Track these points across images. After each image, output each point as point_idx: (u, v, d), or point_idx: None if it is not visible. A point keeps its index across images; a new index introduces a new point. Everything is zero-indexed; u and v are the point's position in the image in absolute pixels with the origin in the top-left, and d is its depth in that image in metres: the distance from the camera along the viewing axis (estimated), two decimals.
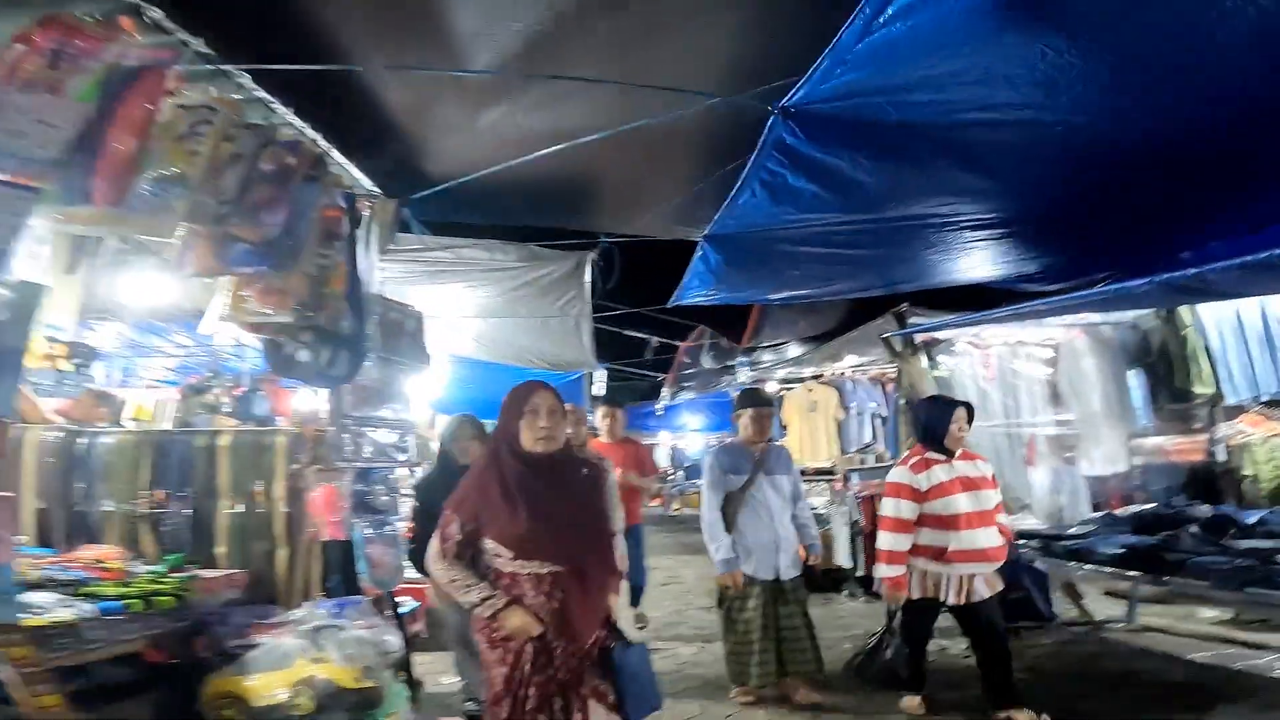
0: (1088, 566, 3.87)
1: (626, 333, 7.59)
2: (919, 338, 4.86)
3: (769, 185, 2.90)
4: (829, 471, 9.28)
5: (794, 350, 6.65)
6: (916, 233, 3.54)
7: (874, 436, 7.20)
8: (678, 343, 8.35)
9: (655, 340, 7.94)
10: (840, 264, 3.80)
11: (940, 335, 4.95)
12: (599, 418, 4.56)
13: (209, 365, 4.57)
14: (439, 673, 4.68)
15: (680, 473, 21.47)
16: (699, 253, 3.67)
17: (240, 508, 3.37)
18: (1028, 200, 3.35)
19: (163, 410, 6.28)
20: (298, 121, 2.78)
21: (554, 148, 2.97)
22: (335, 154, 3.19)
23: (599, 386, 6.98)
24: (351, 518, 2.98)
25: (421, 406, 9.85)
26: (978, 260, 4.16)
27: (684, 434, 19.40)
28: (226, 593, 3.23)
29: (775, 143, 2.63)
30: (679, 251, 4.15)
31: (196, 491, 3.40)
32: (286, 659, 2.76)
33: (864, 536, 6.39)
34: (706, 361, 7.20)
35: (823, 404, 7.39)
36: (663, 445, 23.02)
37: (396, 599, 3.97)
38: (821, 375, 7.62)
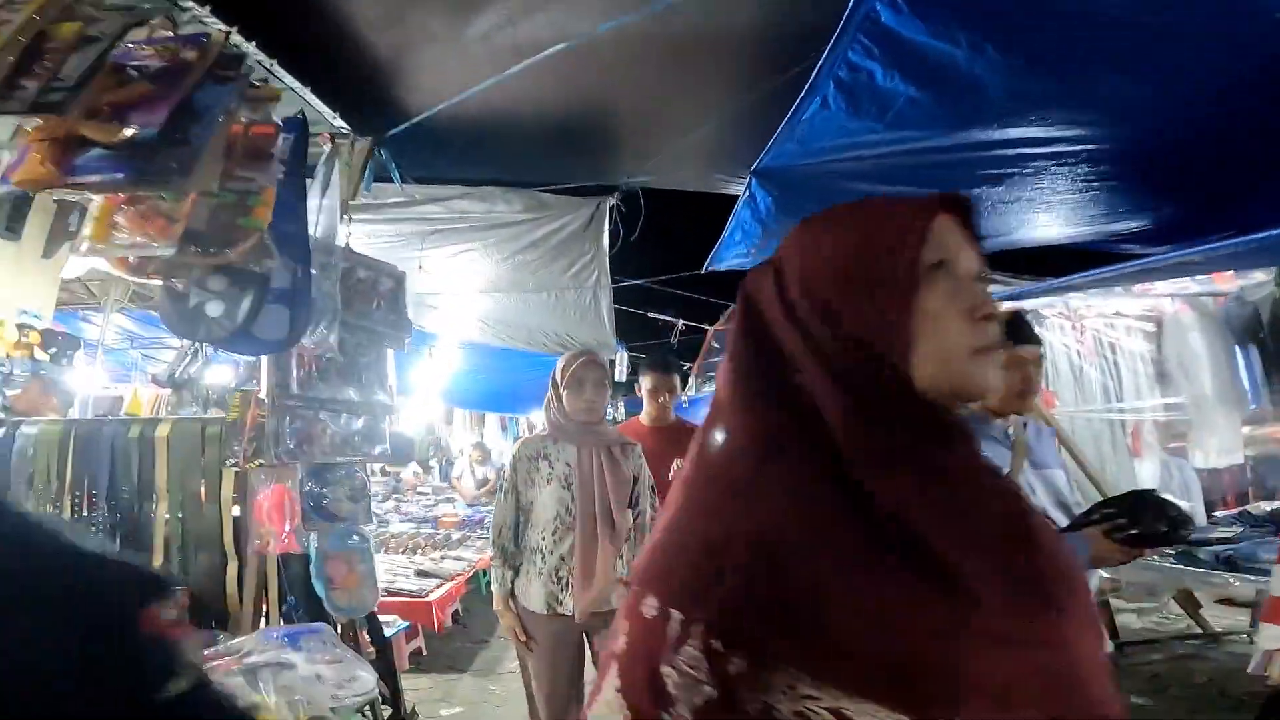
0: (1250, 576, 3.10)
1: (648, 314, 6.86)
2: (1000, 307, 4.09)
3: (848, 88, 2.18)
4: None
5: None
6: (1024, 168, 2.80)
7: None
8: (705, 326, 7.60)
9: (681, 323, 7.19)
10: None
11: (1025, 305, 4.17)
12: (645, 392, 3.40)
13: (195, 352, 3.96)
14: (438, 699, 4.05)
15: None
16: (745, 195, 2.96)
17: (181, 512, 2.75)
18: (1164, 128, 2.60)
19: (158, 406, 5.75)
20: (220, 24, 2.12)
21: (557, 47, 2.28)
22: (285, 76, 2.54)
23: (621, 371, 6.26)
24: (305, 527, 2.32)
25: (432, 399, 9.34)
26: (1080, 211, 3.40)
27: None
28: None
29: (864, 23, 1.92)
30: (712, 210, 3.46)
31: (129, 492, 2.79)
32: None
33: None
34: None
35: None
36: None
37: (381, 618, 3.34)
38: None
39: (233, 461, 2.27)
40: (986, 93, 2.19)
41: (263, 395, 2.23)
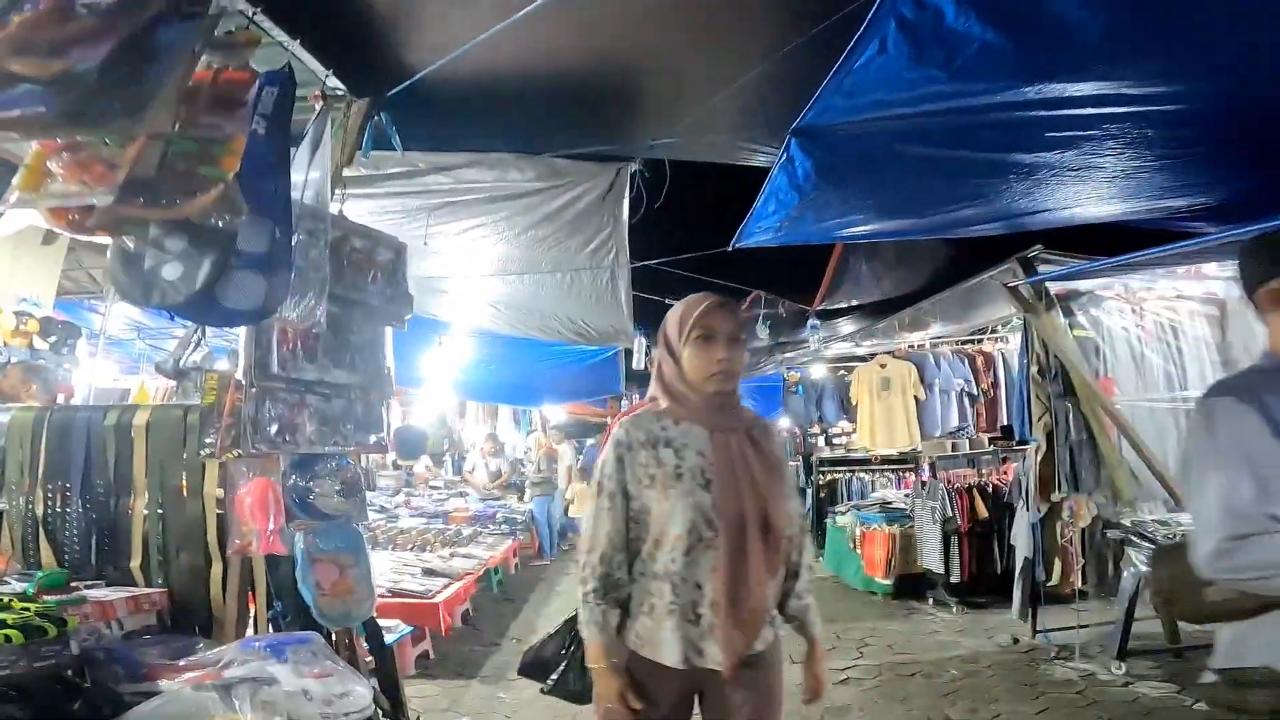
0: None
1: (665, 299, 6.56)
2: (1054, 289, 3.77)
3: (912, 29, 1.87)
4: (900, 460, 8.23)
5: (857, 320, 5.54)
6: (1099, 130, 2.48)
7: (962, 418, 6.10)
8: None
9: None
10: (986, 175, 2.75)
11: (1080, 286, 3.85)
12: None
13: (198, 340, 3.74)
14: (444, 709, 3.80)
15: None
16: (781, 160, 2.66)
17: (160, 508, 2.52)
18: (1268, 90, 2.27)
19: (166, 398, 5.55)
20: None
21: None
22: (271, 27, 2.27)
23: (639, 359, 5.96)
24: (288, 526, 2.07)
25: (444, 390, 9.10)
26: (1147, 183, 3.06)
27: None
28: (138, 619, 2.42)
29: None
30: (734, 186, 3.17)
31: (104, 486, 2.56)
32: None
33: (960, 536, 5.36)
34: (761, 335, 6.15)
35: (899, 381, 6.32)
36: None
37: (382, 622, 3.10)
38: (897, 349, 6.55)
39: (207, 451, 2.02)
40: (1077, 36, 1.87)
41: (240, 376, 1.96)
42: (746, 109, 2.81)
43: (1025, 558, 4.27)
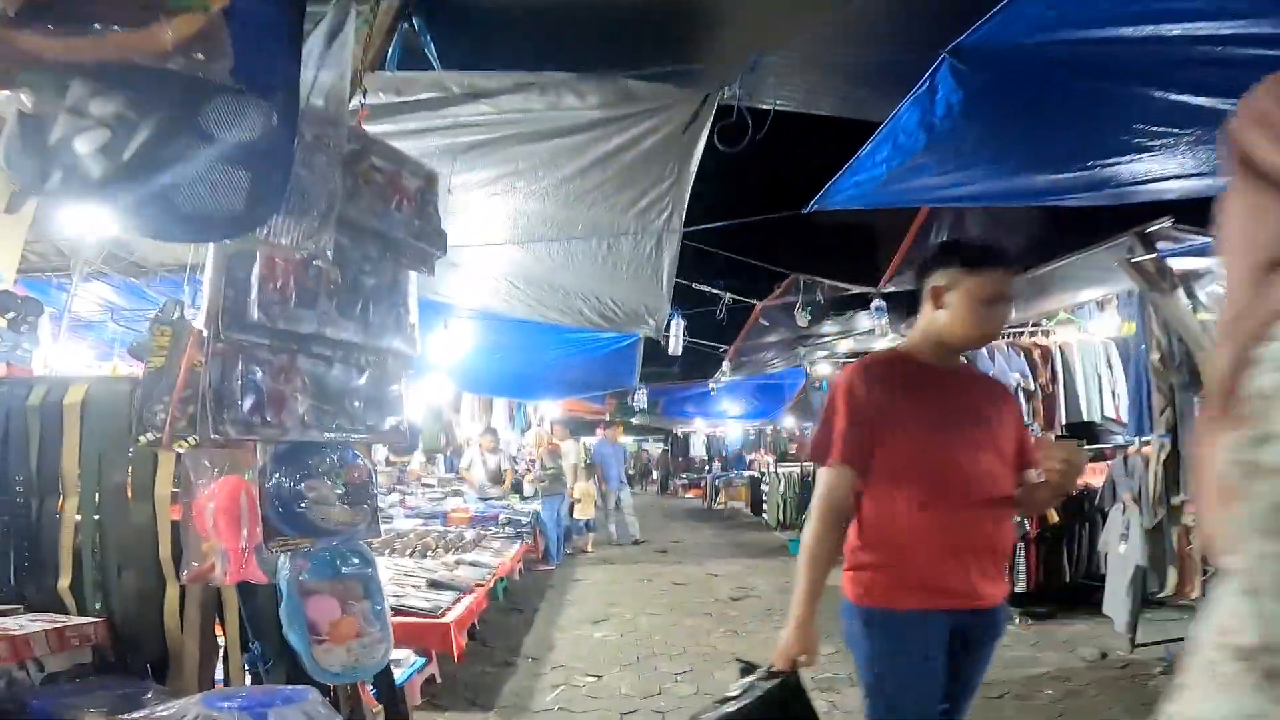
0: None
1: (693, 284, 5.94)
2: (1177, 267, 3.22)
3: None
4: None
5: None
6: None
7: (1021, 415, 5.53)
8: (754, 301, 6.69)
9: (729, 296, 6.28)
10: (1168, 123, 2.23)
11: (1202, 265, 3.30)
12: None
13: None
14: None
15: (717, 463, 19.91)
16: (921, 88, 2.12)
17: (98, 512, 1.89)
18: None
19: None
20: None
21: None
22: None
23: (676, 342, 5.30)
24: (267, 547, 1.45)
25: (443, 381, 8.44)
26: None
27: (722, 422, 17.85)
28: (66, 657, 1.83)
29: None
30: (791, 146, 2.58)
31: (24, 482, 1.93)
32: None
33: (1029, 543, 4.82)
34: (801, 322, 5.57)
35: None
36: (698, 434, 21.50)
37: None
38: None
39: (151, 436, 1.39)
40: None
41: (201, 325, 1.34)
42: (881, 27, 2.19)
43: (1137, 566, 3.75)
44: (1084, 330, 5.87)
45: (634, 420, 14.42)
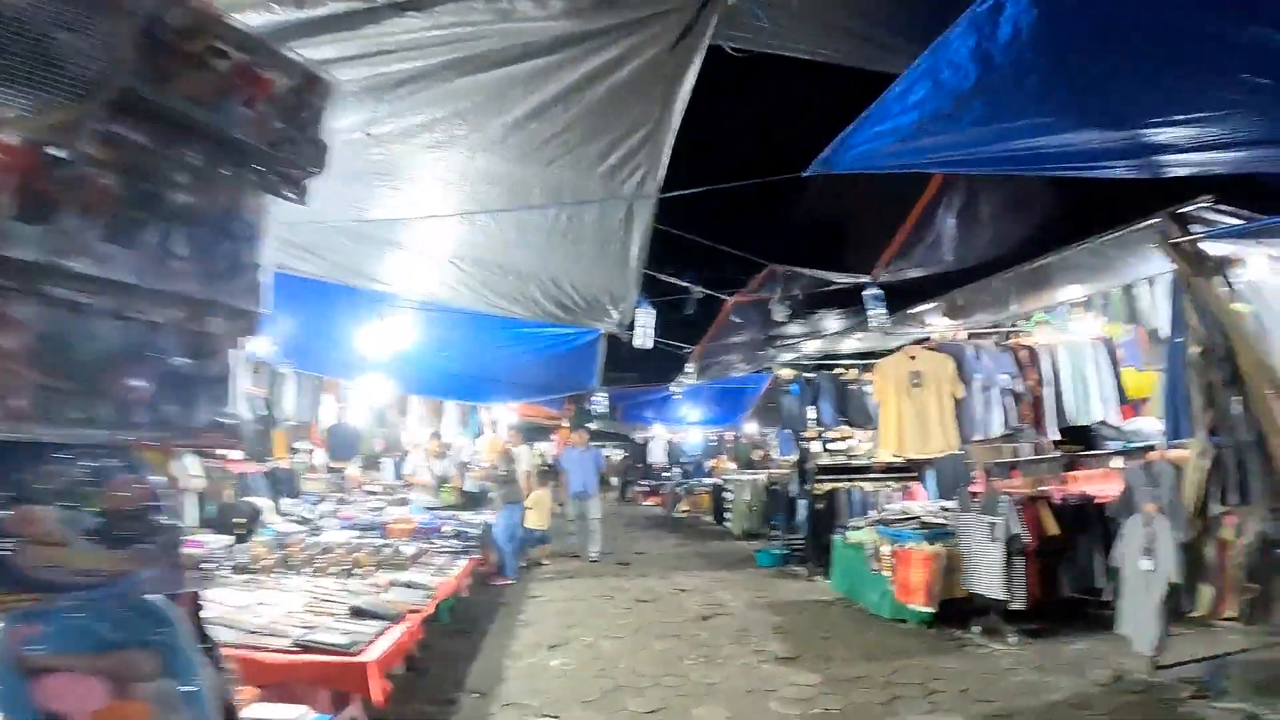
0: None
1: (660, 276, 5.44)
2: (1214, 250, 2.87)
3: None
4: (905, 469, 7.33)
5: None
6: None
7: (1008, 419, 5.20)
8: (724, 295, 6.23)
9: (699, 290, 5.80)
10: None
11: (1240, 250, 2.96)
12: None
13: None
14: None
15: (677, 469, 19.40)
16: (985, 3, 1.68)
17: None
18: None
19: None
20: None
21: None
22: None
23: (643, 334, 4.73)
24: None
25: (382, 381, 7.74)
26: None
27: (682, 428, 17.39)
28: None
29: None
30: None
31: None
32: None
33: (1027, 556, 4.47)
34: (778, 317, 5.13)
35: (932, 377, 5.39)
36: (658, 440, 20.96)
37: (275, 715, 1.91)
38: (929, 339, 5.65)
39: None
40: None
41: None
42: None
43: (1170, 583, 3.40)
44: (1065, 331, 5.61)
45: (592, 425, 13.84)
